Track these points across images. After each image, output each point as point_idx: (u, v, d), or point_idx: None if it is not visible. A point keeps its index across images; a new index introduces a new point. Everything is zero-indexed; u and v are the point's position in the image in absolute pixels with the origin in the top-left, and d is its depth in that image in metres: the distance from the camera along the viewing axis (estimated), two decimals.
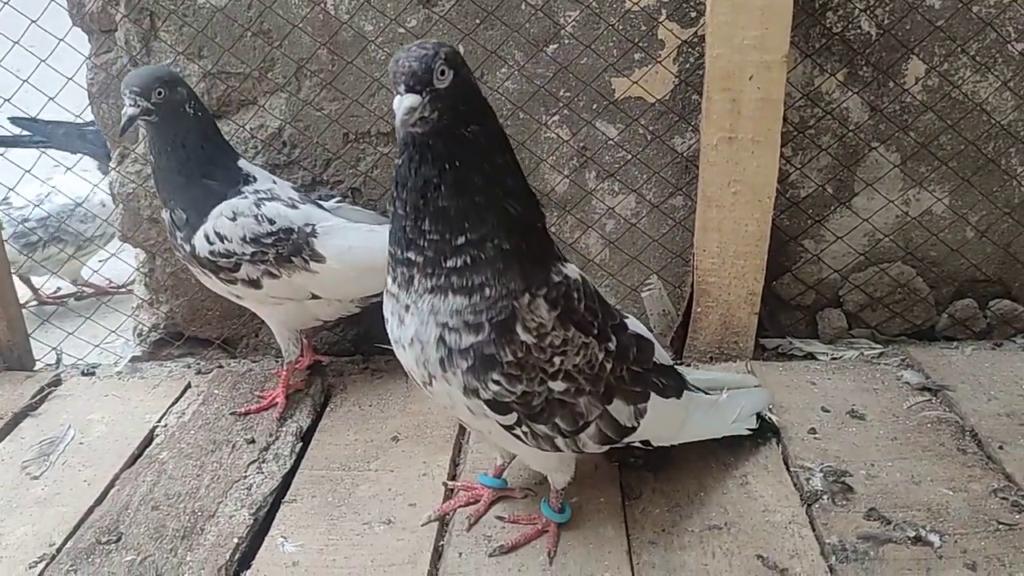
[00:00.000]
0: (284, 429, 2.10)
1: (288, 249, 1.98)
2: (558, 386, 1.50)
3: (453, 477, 1.93)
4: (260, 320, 2.49)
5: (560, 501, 1.73)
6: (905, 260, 2.35)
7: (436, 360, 1.44)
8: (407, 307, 1.46)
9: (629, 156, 2.28)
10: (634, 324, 1.68)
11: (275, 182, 2.07)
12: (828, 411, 2.08)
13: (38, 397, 2.25)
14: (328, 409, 2.20)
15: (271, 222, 1.97)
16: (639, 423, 1.63)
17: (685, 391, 1.75)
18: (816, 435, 1.99)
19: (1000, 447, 1.91)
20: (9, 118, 3.08)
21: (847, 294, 2.39)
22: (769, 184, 2.14)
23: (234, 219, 1.96)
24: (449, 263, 1.40)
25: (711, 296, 2.26)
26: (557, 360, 1.48)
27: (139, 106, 1.90)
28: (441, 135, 1.34)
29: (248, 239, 1.96)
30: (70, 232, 3.11)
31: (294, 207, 2.02)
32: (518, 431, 1.54)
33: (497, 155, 1.41)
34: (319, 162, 2.32)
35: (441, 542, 1.75)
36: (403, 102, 1.28)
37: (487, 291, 1.41)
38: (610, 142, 2.27)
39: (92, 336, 2.63)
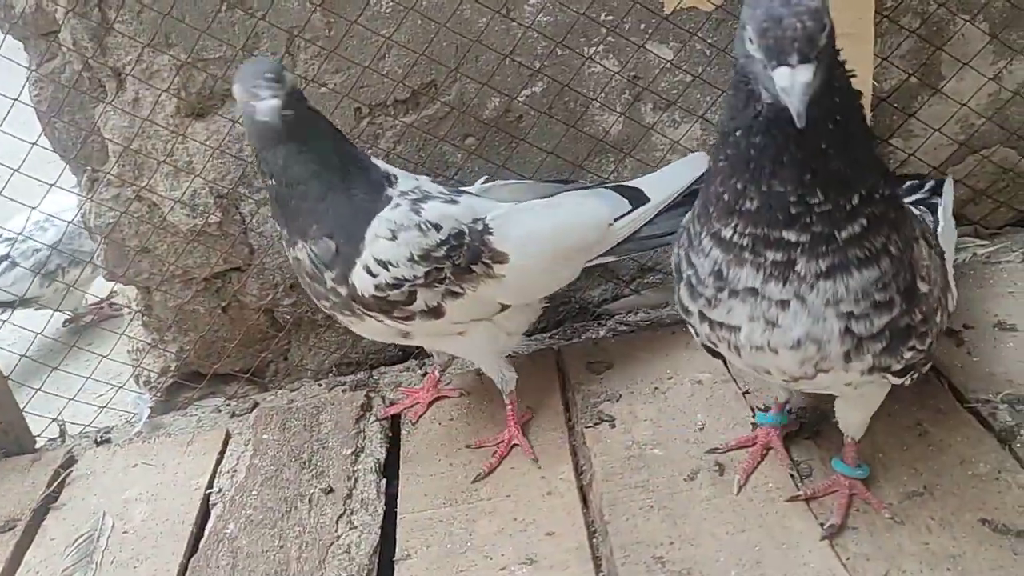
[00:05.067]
0: (359, 467, 1.79)
1: (466, 257, 1.58)
2: (938, 316, 1.33)
3: (581, 489, 1.64)
4: (288, 341, 2.15)
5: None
6: (1005, 143, 2.10)
7: (839, 355, 1.23)
8: (784, 303, 1.20)
9: (690, 78, 1.96)
10: None
11: (416, 178, 1.67)
12: (972, 327, 1.83)
13: (55, 484, 1.89)
14: (403, 433, 1.88)
15: (437, 228, 1.56)
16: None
17: None
18: (975, 358, 1.75)
19: None
20: None
21: None
22: (865, 83, 1.83)
23: (394, 237, 1.53)
24: (845, 233, 1.17)
25: None
26: (935, 291, 1.30)
27: (279, 96, 1.41)
28: (819, 97, 1.07)
29: (417, 257, 1.54)
30: (85, 252, 2.59)
31: (453, 202, 1.62)
32: (907, 380, 1.36)
33: (856, 94, 1.19)
34: None
35: (602, 574, 1.47)
36: (797, 77, 1.02)
37: (892, 250, 1.20)
38: (666, 65, 1.94)
39: (83, 391, 2.22)
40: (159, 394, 2.19)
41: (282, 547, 1.61)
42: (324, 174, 1.52)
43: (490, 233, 1.61)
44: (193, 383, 2.17)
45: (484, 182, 1.82)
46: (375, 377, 2.10)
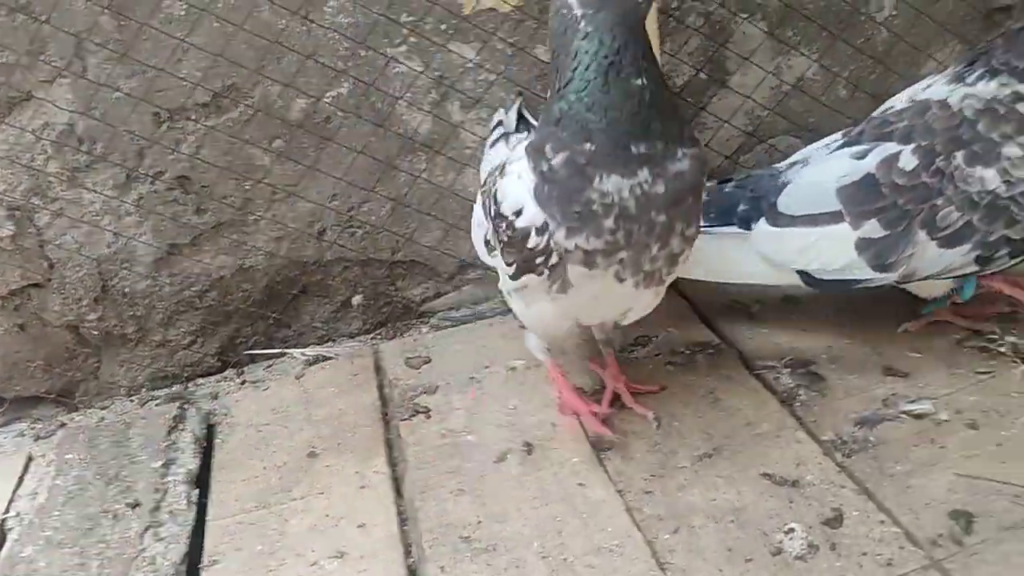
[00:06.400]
0: (169, 479, 1.73)
1: None
2: None
3: (395, 480, 1.65)
4: (98, 358, 2.07)
5: None
6: (788, 132, 2.25)
7: None
8: None
9: (493, 76, 2.01)
10: None
11: None
12: (762, 303, 1.95)
13: None
14: (217, 441, 1.84)
15: None
16: None
17: None
18: (763, 329, 1.87)
19: None
20: None
21: None
22: None
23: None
24: None
25: None
26: None
27: None
28: None
29: None
30: None
31: None
32: None
33: None
34: (130, 154, 1.90)
35: (411, 560, 1.47)
36: None
37: None
38: (469, 64, 2.00)
39: None
40: None
41: (83, 565, 1.54)
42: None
43: None
44: None
45: None
46: (191, 389, 2.05)
